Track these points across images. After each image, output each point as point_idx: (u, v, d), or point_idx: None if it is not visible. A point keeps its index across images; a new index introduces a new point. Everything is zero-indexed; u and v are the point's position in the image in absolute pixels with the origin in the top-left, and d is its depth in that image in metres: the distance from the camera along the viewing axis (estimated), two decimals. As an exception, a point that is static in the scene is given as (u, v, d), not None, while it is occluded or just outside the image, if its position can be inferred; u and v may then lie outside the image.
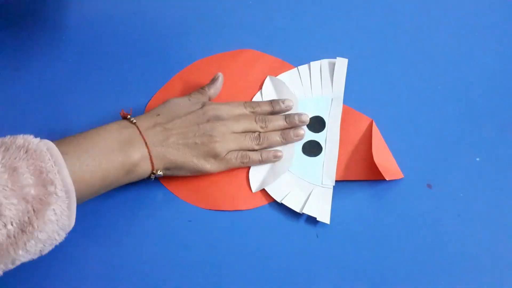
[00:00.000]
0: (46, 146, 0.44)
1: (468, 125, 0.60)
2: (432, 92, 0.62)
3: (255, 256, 0.53)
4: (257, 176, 0.57)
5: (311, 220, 0.54)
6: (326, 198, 0.55)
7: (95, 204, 0.54)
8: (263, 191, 0.56)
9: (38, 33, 0.64)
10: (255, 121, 0.57)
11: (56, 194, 0.42)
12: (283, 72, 0.63)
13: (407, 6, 0.68)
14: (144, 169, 0.51)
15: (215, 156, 0.54)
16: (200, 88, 0.59)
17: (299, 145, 0.59)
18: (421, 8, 0.68)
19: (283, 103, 0.59)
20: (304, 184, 0.56)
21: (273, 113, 0.59)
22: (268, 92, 0.62)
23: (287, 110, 0.59)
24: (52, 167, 0.43)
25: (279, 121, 0.58)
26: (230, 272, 0.52)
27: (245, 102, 0.58)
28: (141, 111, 0.60)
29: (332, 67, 0.62)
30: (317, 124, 0.60)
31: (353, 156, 0.58)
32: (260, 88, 0.62)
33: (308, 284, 0.51)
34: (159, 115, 0.54)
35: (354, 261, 0.52)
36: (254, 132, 0.57)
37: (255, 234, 0.54)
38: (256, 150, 0.57)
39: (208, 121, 0.54)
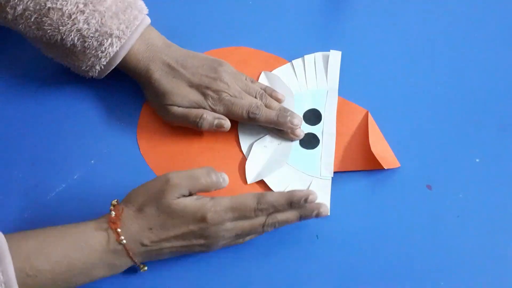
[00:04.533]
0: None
1: (468, 126, 0.60)
2: (432, 92, 0.62)
3: (254, 254, 0.53)
4: (253, 168, 0.57)
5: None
6: (325, 189, 0.56)
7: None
8: (259, 182, 0.56)
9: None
10: (264, 224, 0.49)
11: None
12: (278, 67, 0.63)
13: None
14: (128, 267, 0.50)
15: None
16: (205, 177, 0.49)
17: (296, 138, 0.59)
18: (419, 1, 0.68)
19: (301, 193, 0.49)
20: (303, 176, 0.57)
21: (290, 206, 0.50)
22: (263, 88, 0.62)
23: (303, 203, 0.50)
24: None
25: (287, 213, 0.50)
26: (229, 272, 0.51)
27: (259, 198, 0.49)
28: (137, 112, 0.60)
29: (326, 60, 0.63)
30: (313, 116, 0.60)
31: (350, 147, 0.58)
32: (256, 84, 0.63)
33: (307, 283, 0.51)
34: (151, 229, 0.47)
35: (353, 260, 0.52)
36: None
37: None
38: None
39: (206, 238, 0.48)
